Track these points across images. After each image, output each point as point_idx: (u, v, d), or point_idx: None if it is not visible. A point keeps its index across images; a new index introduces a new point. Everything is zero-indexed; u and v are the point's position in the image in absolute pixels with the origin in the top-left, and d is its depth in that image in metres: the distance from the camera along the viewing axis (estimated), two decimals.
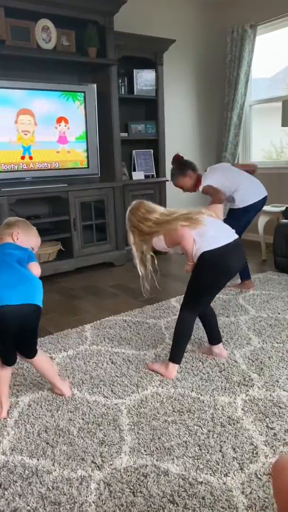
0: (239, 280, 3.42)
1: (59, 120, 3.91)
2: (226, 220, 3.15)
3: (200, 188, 3.13)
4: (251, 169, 3.32)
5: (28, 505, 1.38)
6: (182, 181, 3.20)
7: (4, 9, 3.44)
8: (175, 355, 2.13)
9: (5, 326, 1.72)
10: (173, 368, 2.12)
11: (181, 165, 3.21)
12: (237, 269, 2.17)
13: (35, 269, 1.85)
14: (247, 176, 3.19)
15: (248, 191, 3.13)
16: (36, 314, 1.78)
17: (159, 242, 2.09)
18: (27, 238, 1.97)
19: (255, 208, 3.17)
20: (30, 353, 1.86)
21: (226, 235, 2.08)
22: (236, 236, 2.12)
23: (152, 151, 4.67)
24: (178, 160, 3.22)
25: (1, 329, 1.74)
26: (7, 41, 3.53)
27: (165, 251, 2.24)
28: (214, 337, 2.30)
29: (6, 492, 1.44)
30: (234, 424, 1.75)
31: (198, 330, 2.43)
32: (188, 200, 4.30)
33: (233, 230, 2.15)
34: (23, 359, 1.90)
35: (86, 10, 3.77)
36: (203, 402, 1.91)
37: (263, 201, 3.19)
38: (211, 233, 2.04)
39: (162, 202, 4.47)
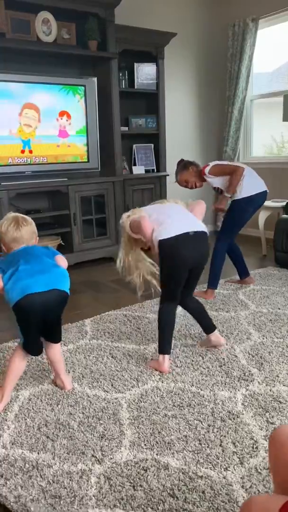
0: (237, 277, 3.41)
1: (61, 114, 3.88)
2: (229, 214, 3.13)
3: (207, 169, 3.03)
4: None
5: (30, 496, 1.38)
6: (185, 175, 3.16)
7: (4, 1, 3.42)
8: (162, 346, 2.15)
9: (32, 314, 1.76)
10: (164, 359, 2.13)
11: (184, 164, 3.17)
12: (195, 261, 2.14)
13: (63, 261, 1.92)
14: (250, 170, 3.15)
15: (250, 182, 3.06)
16: (63, 301, 1.84)
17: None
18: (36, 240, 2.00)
19: (256, 202, 3.12)
20: (57, 336, 1.93)
21: (187, 224, 2.09)
22: (202, 228, 2.13)
23: (152, 145, 4.65)
24: (182, 161, 3.21)
25: (28, 317, 1.77)
26: (7, 34, 3.51)
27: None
28: (207, 326, 2.32)
29: (8, 482, 1.45)
30: (234, 418, 1.75)
31: (196, 325, 2.43)
32: (188, 195, 4.28)
33: (201, 223, 2.17)
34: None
35: (86, 2, 3.74)
36: (203, 396, 1.91)
37: (263, 196, 3.13)
38: (169, 221, 2.08)
39: (162, 196, 4.45)
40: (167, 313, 2.17)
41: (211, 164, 3.08)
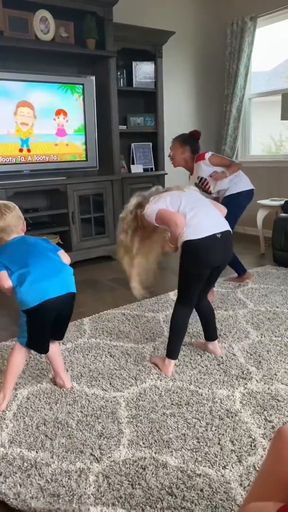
0: (236, 274, 3.42)
1: (58, 112, 3.88)
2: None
3: (207, 156, 3.05)
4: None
5: (30, 493, 1.38)
6: (175, 149, 3.16)
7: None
8: (171, 351, 2.12)
9: (48, 316, 1.78)
10: (169, 363, 2.11)
11: (187, 137, 3.16)
12: (222, 262, 2.09)
13: (65, 257, 1.91)
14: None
15: (244, 178, 3.17)
16: (74, 300, 1.87)
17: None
18: (23, 225, 1.94)
19: (248, 198, 3.16)
20: (62, 335, 1.97)
21: (215, 224, 2.00)
22: (227, 227, 2.04)
23: (151, 144, 4.65)
24: (191, 133, 3.18)
25: (44, 319, 1.78)
26: (5, 32, 3.50)
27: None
28: (210, 334, 2.28)
29: (7, 480, 1.45)
30: (232, 417, 1.75)
31: (197, 323, 2.43)
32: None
33: (224, 220, 2.07)
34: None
35: (85, 1, 3.74)
36: (201, 395, 1.91)
37: (250, 194, 3.18)
38: (197, 220, 1.96)
39: None
40: (182, 318, 2.10)
41: (210, 152, 3.12)
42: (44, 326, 1.81)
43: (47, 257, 1.81)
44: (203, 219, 1.98)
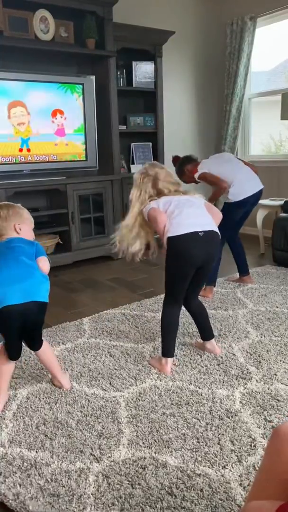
0: (237, 275, 3.42)
1: (58, 112, 3.87)
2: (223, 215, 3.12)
3: (196, 175, 3.05)
4: (253, 169, 3.17)
5: (29, 494, 1.38)
6: (184, 179, 3.17)
7: None
8: (165, 349, 2.13)
9: (9, 324, 1.73)
10: (166, 362, 2.12)
11: (179, 165, 3.17)
12: (202, 260, 2.07)
13: (44, 264, 1.80)
14: (245, 170, 3.09)
15: (242, 186, 3.03)
16: (41, 310, 1.78)
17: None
18: (29, 228, 1.91)
19: (248, 203, 3.10)
20: (35, 345, 1.88)
21: (199, 223, 2.03)
22: (212, 228, 2.06)
23: (151, 144, 4.65)
24: (174, 162, 3.20)
25: (6, 326, 1.75)
26: (4, 32, 3.50)
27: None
28: (205, 333, 2.29)
29: (7, 480, 1.45)
30: (232, 417, 1.75)
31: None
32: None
33: (212, 222, 2.09)
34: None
35: (84, 0, 3.74)
36: (201, 395, 1.91)
37: (257, 195, 3.12)
38: (180, 218, 2.01)
39: None
40: (171, 316, 2.12)
41: (199, 170, 3.05)
42: (8, 332, 1.77)
43: (17, 261, 1.73)
44: (186, 218, 2.02)
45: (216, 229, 2.09)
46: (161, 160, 4.62)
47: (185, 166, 3.15)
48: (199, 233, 2.00)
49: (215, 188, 3.08)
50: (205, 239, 2.02)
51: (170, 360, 2.13)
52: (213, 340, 2.30)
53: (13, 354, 1.83)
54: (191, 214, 2.05)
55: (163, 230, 2.03)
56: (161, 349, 2.15)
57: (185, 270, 2.05)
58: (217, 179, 3.01)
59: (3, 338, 1.81)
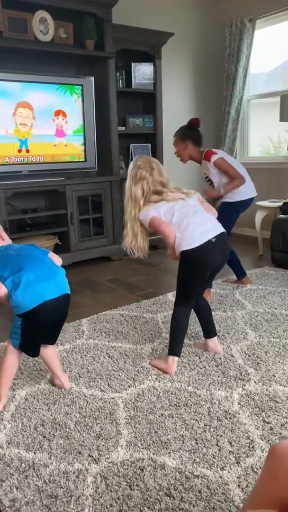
0: (235, 277, 3.42)
1: (57, 113, 3.88)
2: (219, 215, 3.14)
3: (213, 158, 2.99)
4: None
5: (26, 497, 1.38)
6: (177, 146, 3.14)
7: (1, 0, 3.41)
8: (173, 348, 2.13)
9: (45, 319, 1.78)
10: (173, 361, 2.12)
11: (186, 130, 3.12)
12: (221, 263, 2.14)
13: (57, 258, 1.92)
14: (246, 172, 3.15)
15: (248, 185, 3.10)
16: (69, 301, 1.88)
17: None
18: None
19: (247, 204, 3.15)
20: (56, 338, 1.96)
21: (208, 230, 2.04)
22: (220, 229, 2.08)
23: (149, 145, 4.65)
24: (189, 123, 3.14)
25: (40, 322, 1.78)
26: (4, 33, 3.50)
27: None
28: (209, 330, 2.30)
29: (3, 484, 1.44)
30: (230, 418, 1.75)
31: (195, 324, 2.43)
32: (186, 187, 4.29)
33: (217, 222, 2.12)
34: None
35: (84, 2, 3.74)
36: (199, 396, 1.91)
37: (252, 200, 3.18)
38: (190, 230, 2.00)
39: None
40: (182, 316, 2.13)
41: (219, 154, 3.03)
42: (38, 329, 1.80)
43: (41, 260, 1.82)
44: (196, 228, 2.02)
45: (223, 229, 2.11)
46: (160, 160, 4.61)
47: (188, 141, 3.09)
48: (212, 240, 2.02)
49: (231, 180, 3.01)
50: (218, 243, 2.04)
51: (177, 359, 2.14)
52: (215, 338, 2.30)
53: (37, 351, 1.87)
54: (199, 223, 2.05)
55: (173, 242, 2.04)
56: (168, 348, 2.15)
57: (203, 276, 2.09)
58: (236, 170, 3.01)
59: (20, 337, 1.79)
